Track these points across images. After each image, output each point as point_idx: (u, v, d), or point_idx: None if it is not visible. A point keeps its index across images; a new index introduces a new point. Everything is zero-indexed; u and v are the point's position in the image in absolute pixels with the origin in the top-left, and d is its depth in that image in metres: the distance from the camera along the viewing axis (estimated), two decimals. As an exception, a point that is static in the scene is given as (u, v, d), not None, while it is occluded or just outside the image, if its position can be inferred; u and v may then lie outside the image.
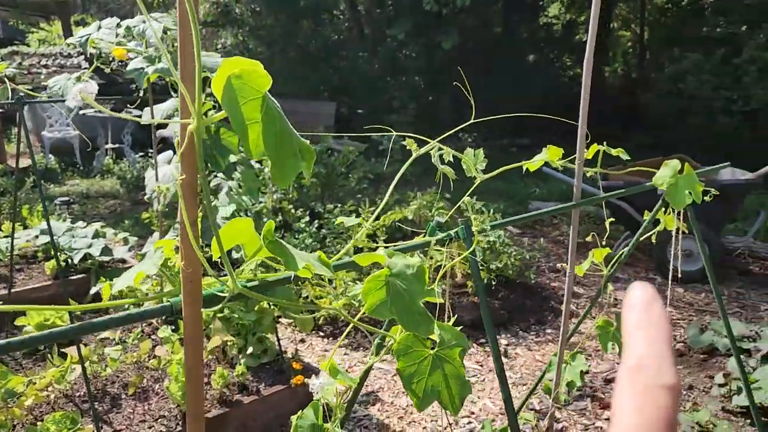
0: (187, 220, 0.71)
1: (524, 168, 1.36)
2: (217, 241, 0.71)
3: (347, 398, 1.29)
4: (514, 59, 12.31)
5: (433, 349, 1.00)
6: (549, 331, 4.06)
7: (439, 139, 1.15)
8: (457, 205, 1.19)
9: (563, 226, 6.46)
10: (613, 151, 1.42)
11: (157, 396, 2.86)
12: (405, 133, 1.19)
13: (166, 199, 3.16)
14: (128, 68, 2.85)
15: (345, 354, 3.70)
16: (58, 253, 4.37)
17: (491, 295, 4.16)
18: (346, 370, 3.51)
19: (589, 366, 3.57)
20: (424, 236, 1.09)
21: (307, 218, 4.66)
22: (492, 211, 4.67)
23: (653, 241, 1.79)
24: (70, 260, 4.22)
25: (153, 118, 3.27)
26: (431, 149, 1.10)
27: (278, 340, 3.17)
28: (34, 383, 2.69)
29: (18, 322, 3.26)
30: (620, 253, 1.74)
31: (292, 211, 4.80)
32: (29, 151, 2.95)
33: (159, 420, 2.69)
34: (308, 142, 0.75)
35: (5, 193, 5.71)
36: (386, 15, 12.23)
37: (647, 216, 1.71)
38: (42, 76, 9.44)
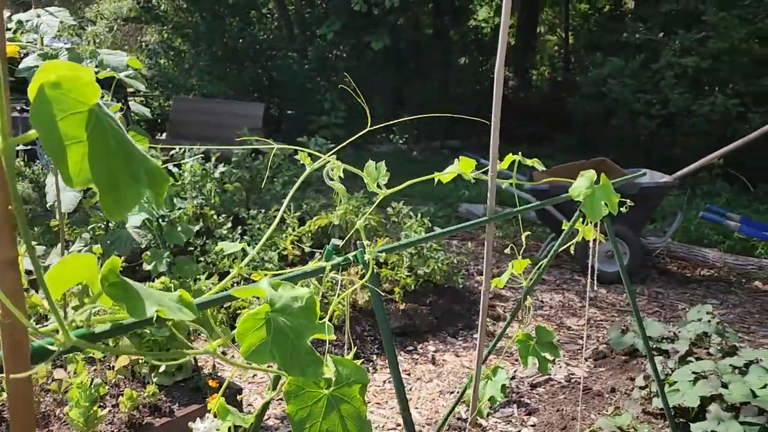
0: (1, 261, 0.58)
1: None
2: (43, 287, 0.58)
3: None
4: (444, 61, 12.40)
5: (328, 388, 0.90)
6: (477, 336, 4.03)
7: (354, 137, 1.05)
8: (377, 203, 1.09)
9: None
10: (528, 162, 1.35)
11: (59, 421, 2.64)
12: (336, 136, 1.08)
13: (63, 207, 2.94)
14: (20, 66, 2.61)
15: (269, 366, 3.55)
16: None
17: (419, 301, 4.10)
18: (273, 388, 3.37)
19: (515, 371, 3.56)
20: (320, 260, 0.99)
21: (230, 224, 4.47)
22: (420, 215, 4.62)
23: (572, 251, 1.75)
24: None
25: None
26: (323, 164, 1.00)
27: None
28: None
29: None
30: (539, 264, 1.69)
31: (215, 217, 4.60)
32: None
33: (58, 449, 2.48)
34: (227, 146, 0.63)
35: None
36: (316, 14, 12.07)
37: (566, 225, 1.66)
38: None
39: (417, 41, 11.88)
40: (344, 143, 1.13)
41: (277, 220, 1.05)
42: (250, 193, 5.09)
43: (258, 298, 0.82)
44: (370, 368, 3.54)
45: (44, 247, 4.47)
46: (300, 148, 1.01)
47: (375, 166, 1.04)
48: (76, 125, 0.54)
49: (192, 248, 4.49)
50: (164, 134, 9.37)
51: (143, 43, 13.90)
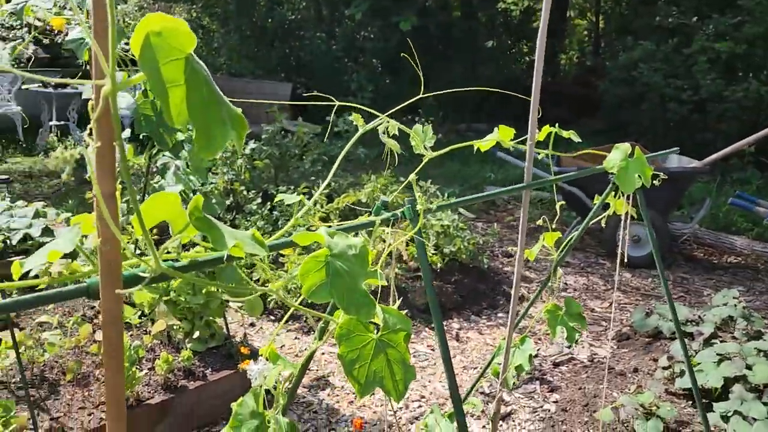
0: (100, 194, 0.64)
1: (477, 151, 1.33)
2: (138, 217, 0.65)
3: (291, 384, 1.24)
4: (472, 44, 12.33)
5: (376, 333, 0.96)
6: (500, 315, 4.08)
7: (388, 113, 1.11)
8: (404, 183, 1.15)
9: (517, 212, 6.51)
10: (564, 133, 1.40)
11: (98, 382, 2.76)
12: (354, 105, 1.14)
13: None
14: (67, 39, 2.70)
15: (295, 338, 3.65)
16: (-4, 234, 4.18)
17: (444, 280, 4.16)
18: (296, 355, 3.46)
19: (538, 350, 3.61)
20: (370, 216, 1.05)
21: (259, 200, 4.56)
22: (447, 195, 4.66)
23: (603, 225, 1.79)
24: (8, 241, 4.04)
25: (94, 93, 3.12)
26: (378, 124, 1.06)
27: (227, 324, 3.10)
28: (-35, 369, 2.56)
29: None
30: (570, 237, 1.74)
31: (244, 192, 4.69)
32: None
33: (99, 407, 2.59)
34: (240, 111, 0.69)
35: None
36: (344, -5, 12.06)
37: (597, 200, 1.70)
38: (-19, 49, 8.96)
39: (445, 23, 11.82)
40: (393, 109, 1.19)
41: (314, 197, 1.11)
42: (279, 170, 5.17)
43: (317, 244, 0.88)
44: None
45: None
46: (354, 105, 1.06)
47: (422, 129, 1.09)
48: (176, 70, 0.60)
49: (222, 222, 4.60)
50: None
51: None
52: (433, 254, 4.10)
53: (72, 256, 3.57)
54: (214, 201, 3.14)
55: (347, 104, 1.15)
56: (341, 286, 0.82)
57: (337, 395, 3.10)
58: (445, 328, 3.85)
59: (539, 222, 1.71)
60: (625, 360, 3.46)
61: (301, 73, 11.45)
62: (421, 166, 1.15)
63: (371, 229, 1.00)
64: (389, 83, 11.13)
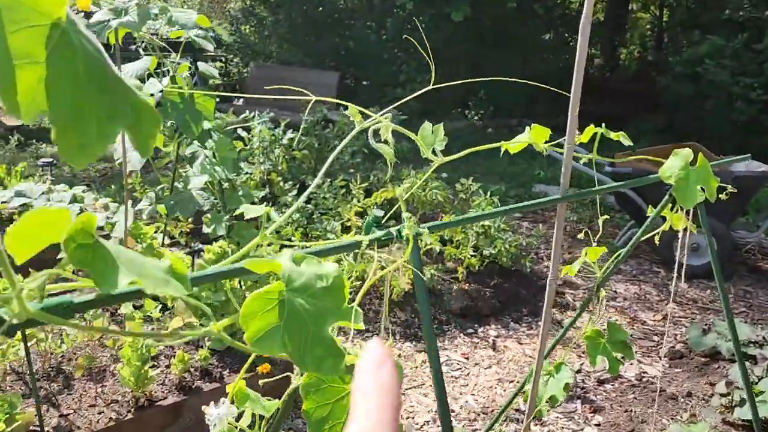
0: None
1: (527, 145, 1.12)
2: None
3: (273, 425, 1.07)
4: (527, 36, 11.92)
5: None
6: (542, 323, 3.83)
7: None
8: (430, 171, 0.95)
9: (566, 210, 6.20)
10: (613, 135, 1.17)
11: (113, 377, 2.66)
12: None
13: (129, 167, 2.94)
14: (91, 21, 2.60)
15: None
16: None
17: (482, 283, 3.94)
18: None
19: (582, 364, 3.35)
20: (361, 234, 0.86)
21: (295, 192, 4.42)
22: (489, 193, 4.43)
23: (656, 241, 1.55)
24: (42, 225, 4.02)
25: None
26: (373, 123, 0.86)
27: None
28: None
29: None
30: (616, 254, 1.51)
31: (281, 183, 4.57)
32: None
33: (110, 405, 2.49)
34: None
35: (-12, 151, 5.50)
36: (397, -16, 11.82)
37: (651, 212, 1.46)
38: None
39: (499, 14, 11.46)
40: (406, 98, 0.99)
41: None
42: (318, 161, 5.03)
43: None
44: (419, 346, 3.42)
45: (116, 204, 4.58)
46: (350, 104, 0.87)
47: (431, 129, 0.89)
48: (32, 41, 0.42)
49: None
50: (241, 100, 9.46)
51: (228, 11, 14.09)
52: (471, 255, 3.88)
53: None
54: (241, 193, 3.00)
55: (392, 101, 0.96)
56: (299, 332, 0.64)
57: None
58: (482, 335, 3.63)
59: (580, 236, 1.48)
60: (678, 382, 3.17)
61: (350, 63, 11.29)
62: (429, 172, 0.95)
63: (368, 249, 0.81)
64: (439, 75, 10.86)
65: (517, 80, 1.33)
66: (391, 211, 0.96)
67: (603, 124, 1.17)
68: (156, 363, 2.73)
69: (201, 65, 2.98)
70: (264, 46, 11.53)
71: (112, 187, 5.96)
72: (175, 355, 2.69)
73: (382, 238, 0.80)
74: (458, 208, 4.37)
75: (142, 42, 2.78)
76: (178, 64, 2.88)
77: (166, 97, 2.78)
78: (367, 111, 0.92)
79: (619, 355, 1.56)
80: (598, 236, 1.44)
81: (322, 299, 0.68)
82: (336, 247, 0.77)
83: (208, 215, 2.93)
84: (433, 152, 0.88)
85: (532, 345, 3.57)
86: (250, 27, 12.38)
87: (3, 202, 4.37)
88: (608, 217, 1.55)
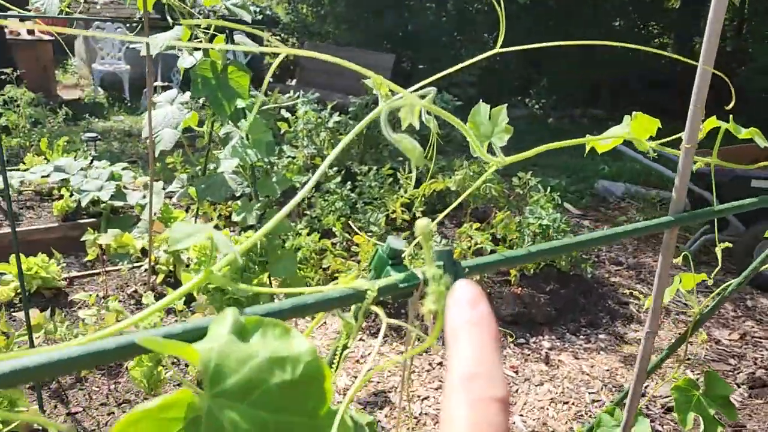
0: None
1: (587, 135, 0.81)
2: None
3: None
4: (595, 22, 11.28)
5: None
6: (602, 336, 3.46)
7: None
8: (490, 171, 0.64)
9: (631, 211, 5.74)
10: (744, 132, 0.83)
11: (128, 374, 2.47)
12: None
13: (160, 145, 2.72)
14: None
15: (361, 340, 3.23)
16: (71, 194, 4.05)
17: (537, 288, 3.59)
18: (357, 361, 3.05)
19: (646, 386, 2.97)
20: (368, 271, 0.56)
21: (339, 179, 4.15)
22: (549, 189, 4.05)
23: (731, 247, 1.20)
24: (80, 203, 3.89)
25: (149, 49, 2.81)
26: (398, 99, 0.57)
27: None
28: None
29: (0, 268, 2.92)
30: (726, 284, 1.17)
31: (326, 169, 4.30)
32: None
33: (122, 405, 2.29)
34: None
35: (37, 123, 5.44)
36: (460, -36, 11.36)
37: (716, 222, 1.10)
38: (98, 6, 9.16)
39: (567, -3, 10.87)
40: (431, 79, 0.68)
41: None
42: (366, 146, 4.74)
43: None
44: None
45: (161, 184, 4.42)
46: (376, 76, 0.58)
47: (489, 114, 0.59)
48: None
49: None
50: (293, 80, 9.26)
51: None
52: (527, 258, 3.53)
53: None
54: (275, 179, 2.75)
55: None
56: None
57: (396, 417, 2.65)
58: (534, 346, 3.29)
59: (677, 260, 1.15)
60: (759, 416, 2.76)
61: (408, 45, 10.93)
62: (483, 177, 0.64)
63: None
64: (499, 60, 10.39)
65: (584, 75, 1.00)
66: (446, 210, 0.67)
67: (673, 124, 0.83)
68: (176, 363, 2.52)
69: (237, 37, 2.72)
70: (320, 26, 11.29)
71: (158, 165, 5.84)
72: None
73: (402, 285, 0.50)
74: (513, 204, 4.01)
75: (172, 10, 2.54)
76: (214, 35, 2.64)
77: (196, 73, 2.54)
78: (398, 88, 0.63)
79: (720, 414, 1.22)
80: (719, 262, 1.10)
81: (281, 408, 0.39)
82: (320, 301, 0.48)
83: (238, 202, 2.69)
84: (490, 149, 0.58)
85: (590, 361, 3.21)
86: (308, 6, 12.15)
87: (43, 177, 4.26)
88: (718, 254, 1.22)
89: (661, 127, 0.79)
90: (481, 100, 0.65)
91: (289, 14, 11.96)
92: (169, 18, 2.57)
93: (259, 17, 10.03)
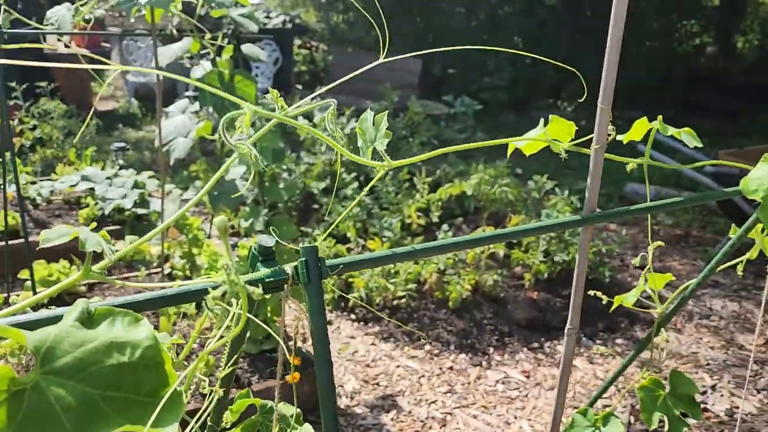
0: None
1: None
2: None
3: None
4: (629, 21, 11.08)
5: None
6: (620, 341, 3.41)
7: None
8: (377, 178, 0.68)
9: (660, 214, 5.62)
10: (672, 131, 0.84)
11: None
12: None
13: (174, 154, 2.82)
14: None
15: (372, 344, 3.26)
16: (96, 202, 4.20)
17: (553, 291, 3.56)
18: (368, 365, 3.08)
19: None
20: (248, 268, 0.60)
21: (356, 184, 4.20)
22: (568, 193, 4.02)
23: (739, 271, 1.19)
24: (104, 211, 4.03)
25: (158, 61, 2.90)
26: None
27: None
28: None
29: (21, 274, 3.05)
30: (683, 287, 1.16)
31: (344, 175, 4.36)
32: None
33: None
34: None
35: (70, 134, 5.65)
36: (489, -32, 11.33)
37: (734, 232, 1.11)
38: (132, 20, 9.45)
39: (599, -2, 10.72)
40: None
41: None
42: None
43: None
44: (483, 362, 3.11)
45: (179, 192, 4.53)
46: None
47: (373, 121, 0.62)
48: None
49: (317, 206, 4.31)
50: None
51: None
52: (541, 261, 3.51)
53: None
54: (282, 186, 2.80)
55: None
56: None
57: (403, 421, 2.67)
58: (548, 350, 3.27)
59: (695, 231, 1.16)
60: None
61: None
62: (375, 179, 0.66)
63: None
64: (530, 63, 10.31)
65: (619, 76, 1.02)
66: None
67: (708, 125, 0.84)
68: (186, 363, 2.60)
69: (245, 47, 2.79)
70: (350, 32, 11.40)
71: (184, 173, 5.99)
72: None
73: (268, 279, 0.53)
74: (531, 208, 3.99)
75: (178, 21, 2.63)
76: (221, 46, 2.72)
77: (204, 82, 2.63)
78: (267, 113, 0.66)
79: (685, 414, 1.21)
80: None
81: (114, 386, 0.42)
82: (175, 295, 0.51)
83: (246, 208, 2.76)
84: (374, 152, 0.61)
85: (605, 366, 3.17)
86: (338, 13, 12.29)
87: (71, 186, 4.43)
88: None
89: (702, 126, 0.80)
90: (513, 103, 0.67)
91: (320, 21, 12.12)
92: (174, 30, 2.65)
93: (289, 25, 10.18)
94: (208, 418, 0.85)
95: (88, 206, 4.22)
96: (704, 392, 2.94)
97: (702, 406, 2.86)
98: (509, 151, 0.81)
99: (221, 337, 0.60)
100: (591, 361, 3.21)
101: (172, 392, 0.44)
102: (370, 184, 0.70)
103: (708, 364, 3.22)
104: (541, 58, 0.81)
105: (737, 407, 2.86)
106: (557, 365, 3.15)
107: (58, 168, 4.82)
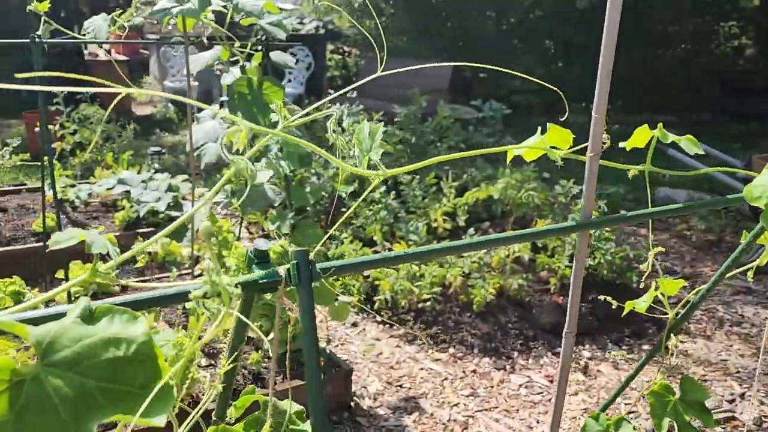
0: None
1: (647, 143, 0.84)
2: None
3: None
4: (665, 23, 10.90)
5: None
6: (647, 347, 3.37)
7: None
8: (371, 188, 0.71)
9: (693, 219, 5.52)
10: (672, 137, 0.85)
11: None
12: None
13: (205, 159, 2.89)
14: (155, 8, 2.56)
15: (397, 346, 3.29)
16: (131, 205, 4.32)
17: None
18: (392, 367, 3.10)
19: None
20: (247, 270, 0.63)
21: (384, 188, 4.23)
22: (602, 196, 3.98)
23: (749, 277, 1.19)
24: (138, 213, 4.14)
25: (189, 68, 2.97)
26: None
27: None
28: None
29: (57, 274, 3.16)
30: (696, 290, 1.16)
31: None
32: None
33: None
34: None
35: (109, 139, 5.81)
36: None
37: (745, 238, 1.11)
38: (170, 27, 9.67)
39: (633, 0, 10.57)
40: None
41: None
42: (413, 156, 4.81)
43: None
44: (507, 366, 3.11)
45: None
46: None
47: (369, 131, 0.65)
48: None
49: (345, 209, 4.35)
50: (354, 93, 9.44)
51: (351, 2, 14.20)
52: (566, 266, 3.49)
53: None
54: (308, 190, 2.85)
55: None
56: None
57: (425, 423, 2.69)
58: (573, 356, 3.25)
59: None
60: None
61: (467, 55, 10.93)
62: (368, 190, 0.69)
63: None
64: (562, 67, 10.23)
65: (651, 81, 1.04)
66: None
67: (747, 128, 0.85)
68: (213, 362, 2.66)
69: (273, 54, 2.86)
70: (382, 37, 11.47)
71: (218, 176, 6.11)
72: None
73: (262, 281, 0.57)
74: (558, 212, 3.97)
75: (209, 30, 2.71)
76: (251, 53, 2.79)
77: (234, 89, 2.69)
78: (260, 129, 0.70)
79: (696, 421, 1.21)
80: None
81: (110, 378, 0.46)
82: (174, 294, 0.55)
83: (273, 211, 2.82)
84: (370, 162, 0.64)
85: (631, 371, 3.13)
86: (371, 20, 12.37)
87: (108, 189, 4.56)
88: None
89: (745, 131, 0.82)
90: (544, 108, 0.70)
91: (352, 27, 12.21)
92: (204, 39, 2.72)
93: (321, 31, 10.29)
94: (213, 413, 0.89)
95: (123, 209, 4.34)
96: (733, 400, 2.89)
97: (730, 414, 2.82)
98: (508, 158, 0.83)
99: (200, 337, 0.64)
100: (616, 367, 3.18)
101: (163, 385, 0.47)
102: (366, 192, 0.73)
103: (738, 372, 3.16)
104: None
105: (767, 416, 2.81)
106: (582, 371, 3.13)
107: (97, 171, 4.97)
